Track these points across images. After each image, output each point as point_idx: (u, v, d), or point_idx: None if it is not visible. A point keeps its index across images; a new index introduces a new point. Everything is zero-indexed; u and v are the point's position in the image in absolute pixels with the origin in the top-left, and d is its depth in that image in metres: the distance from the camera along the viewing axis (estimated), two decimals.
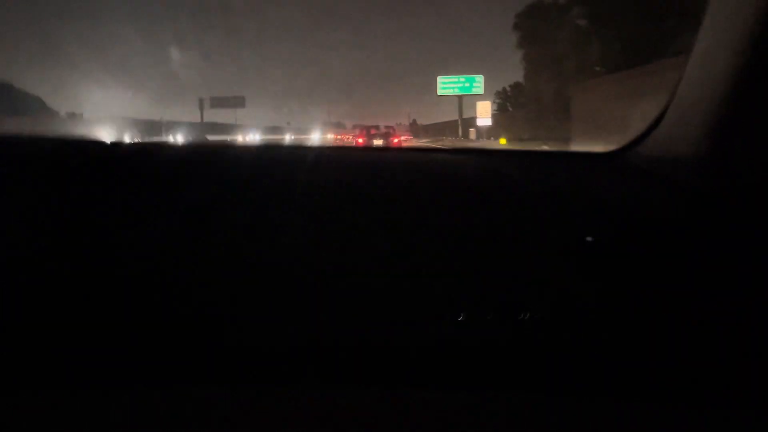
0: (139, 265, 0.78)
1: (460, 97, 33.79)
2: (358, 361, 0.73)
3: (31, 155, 0.91)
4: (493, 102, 30.48)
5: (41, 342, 0.74)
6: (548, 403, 0.67)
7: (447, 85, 33.56)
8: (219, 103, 43.44)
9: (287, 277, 0.77)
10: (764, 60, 0.70)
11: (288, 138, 37.48)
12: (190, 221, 0.82)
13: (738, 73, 0.73)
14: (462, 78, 33.40)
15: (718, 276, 0.73)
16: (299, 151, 1.24)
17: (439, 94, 33.86)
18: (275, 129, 44.51)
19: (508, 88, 34.03)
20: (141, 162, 0.99)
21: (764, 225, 0.74)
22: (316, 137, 40.03)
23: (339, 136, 33.26)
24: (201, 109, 42.97)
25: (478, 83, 32.99)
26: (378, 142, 17.73)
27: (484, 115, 28.41)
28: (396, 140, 18.86)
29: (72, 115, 37.24)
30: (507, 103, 30.33)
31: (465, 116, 34.47)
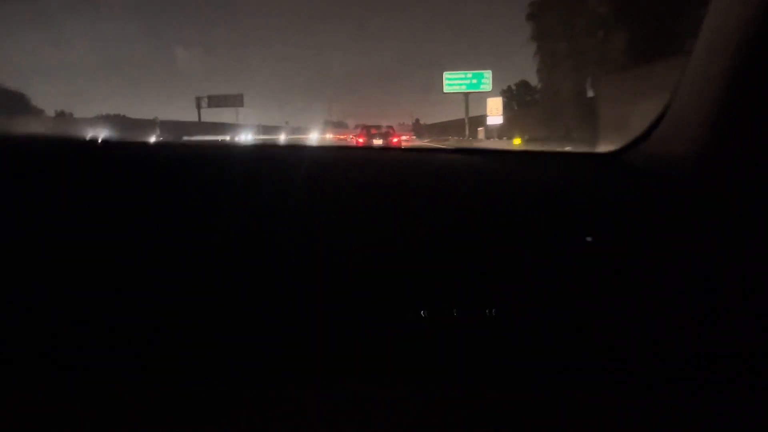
0: (138, 263, 0.78)
1: (466, 94, 32.24)
2: (353, 355, 0.74)
3: (32, 154, 0.91)
4: (505, 99, 28.88)
5: (41, 342, 0.74)
6: (545, 398, 0.68)
7: (454, 81, 31.95)
8: (217, 101, 42.44)
9: (284, 274, 0.78)
10: (764, 60, 0.70)
11: (287, 138, 36.09)
12: (188, 221, 0.82)
13: (738, 73, 0.73)
14: (469, 74, 31.81)
15: (717, 275, 0.73)
16: (297, 151, 1.16)
17: (445, 91, 32.24)
18: (271, 129, 43.50)
19: (514, 87, 32.66)
20: (139, 159, 0.98)
21: (764, 224, 0.73)
22: (317, 137, 39.04)
23: (341, 136, 32.99)
24: (198, 107, 42.15)
25: (486, 79, 31.45)
26: (378, 142, 18.08)
27: (495, 112, 26.74)
28: (395, 140, 19.04)
29: (61, 114, 36.44)
30: (514, 101, 28.73)
31: (472, 115, 32.73)
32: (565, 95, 18.52)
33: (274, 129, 43.61)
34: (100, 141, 1.09)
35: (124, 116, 37.17)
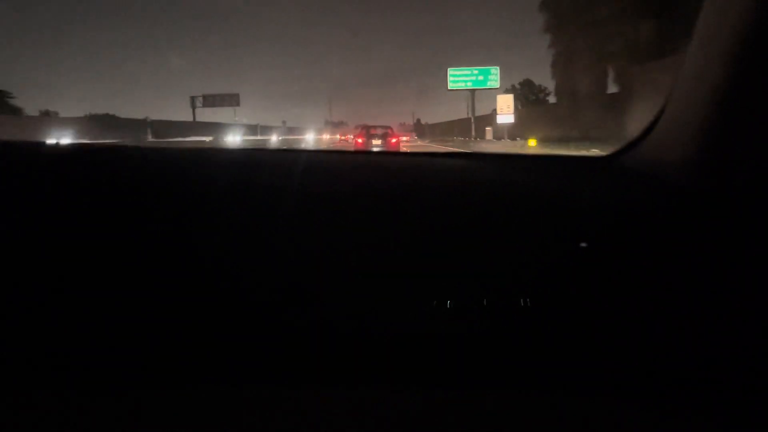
0: (139, 266, 0.79)
1: (472, 91, 30.44)
2: (353, 358, 0.75)
3: (31, 159, 0.94)
4: (517, 96, 27.07)
5: (41, 342, 0.75)
6: (545, 401, 0.70)
7: (459, 78, 30.15)
8: (212, 101, 41.18)
9: (284, 277, 0.79)
10: (760, 64, 0.71)
11: (284, 138, 34.53)
12: (189, 224, 0.83)
13: (734, 76, 0.74)
14: (476, 70, 30.00)
15: (714, 277, 0.75)
16: (296, 154, 1.21)
17: (450, 88, 30.45)
18: (267, 129, 42.00)
19: (518, 85, 30.88)
20: (141, 162, 1.00)
21: (760, 227, 0.75)
22: (318, 137, 37.56)
23: (343, 137, 32.29)
24: (193, 107, 40.90)
25: (494, 76, 29.65)
26: (377, 142, 18.55)
27: (505, 110, 24.74)
28: (394, 140, 19.25)
29: (45, 113, 35.08)
30: (518, 100, 26.86)
31: (477, 114, 30.93)
32: (585, 91, 16.82)
33: (271, 129, 42.52)
34: (97, 145, 1.09)
35: (113, 116, 35.74)
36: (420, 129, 51.17)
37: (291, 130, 44.28)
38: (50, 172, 0.88)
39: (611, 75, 16.26)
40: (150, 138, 29.48)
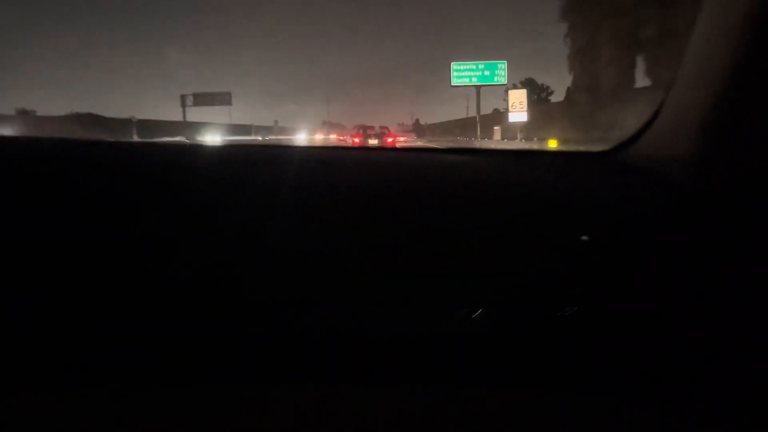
0: (138, 266, 0.79)
1: (478, 87, 28.36)
2: (353, 358, 0.76)
3: (27, 155, 0.94)
4: (531, 93, 25.14)
5: (41, 342, 0.76)
6: (545, 400, 0.70)
7: (462, 73, 27.97)
8: (203, 99, 39.69)
9: (283, 277, 0.79)
10: (758, 60, 0.72)
11: (275, 140, 32.84)
12: (185, 220, 0.83)
13: (732, 72, 0.75)
14: (481, 65, 27.82)
15: (712, 274, 0.75)
16: (295, 152, 1.20)
17: (453, 84, 28.23)
18: (262, 129, 40.52)
19: (519, 84, 28.92)
20: (139, 161, 1.00)
21: (757, 223, 0.75)
22: (313, 138, 36.24)
23: (342, 137, 32.24)
24: (183, 106, 39.35)
25: (501, 70, 27.50)
26: (373, 141, 19.51)
27: (518, 107, 22.57)
28: (390, 139, 20.54)
29: (23, 112, 33.33)
30: (530, 97, 24.83)
31: (477, 113, 28.92)
32: (610, 85, 14.91)
33: (268, 130, 40.99)
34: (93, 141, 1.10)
35: (95, 115, 34.02)
36: (419, 129, 49.62)
37: (283, 131, 42.65)
38: (49, 168, 0.87)
39: (641, 67, 14.28)
40: (135, 139, 27.66)
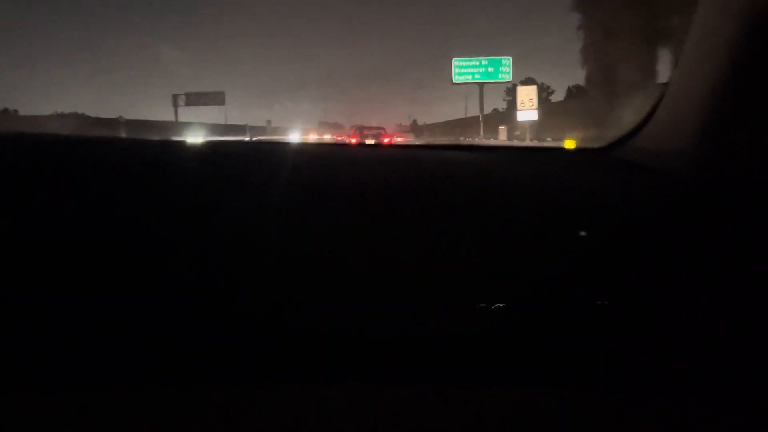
0: (137, 262, 0.79)
1: (481, 85, 26.95)
2: (353, 358, 0.76)
3: (31, 152, 0.93)
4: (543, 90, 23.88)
5: (41, 341, 0.76)
6: (543, 399, 0.70)
7: (465, 69, 26.56)
8: (195, 99, 38.78)
9: (283, 275, 0.79)
10: (756, 55, 0.73)
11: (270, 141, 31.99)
12: (185, 219, 0.83)
13: (730, 66, 0.76)
14: (485, 61, 26.42)
15: (711, 269, 0.75)
16: (295, 150, 1.17)
17: (455, 81, 26.90)
18: (257, 129, 39.54)
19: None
20: (143, 158, 0.99)
21: (758, 218, 0.76)
22: (306, 139, 35.46)
23: (339, 138, 32.83)
24: (175, 105, 38.41)
25: (505, 66, 26.16)
26: (370, 142, 19.97)
27: (527, 105, 21.13)
28: (387, 140, 21.16)
29: (4, 111, 32.25)
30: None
31: (472, 113, 27.56)
32: (631, 79, 13.70)
33: (260, 130, 40.11)
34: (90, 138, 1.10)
35: (81, 114, 33.00)
36: (417, 130, 48.81)
37: (276, 131, 41.62)
38: (48, 165, 0.87)
39: (665, 60, 13.11)
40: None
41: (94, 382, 0.72)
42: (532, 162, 1.05)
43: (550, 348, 0.73)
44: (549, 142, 16.72)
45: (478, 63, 25.86)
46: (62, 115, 31.55)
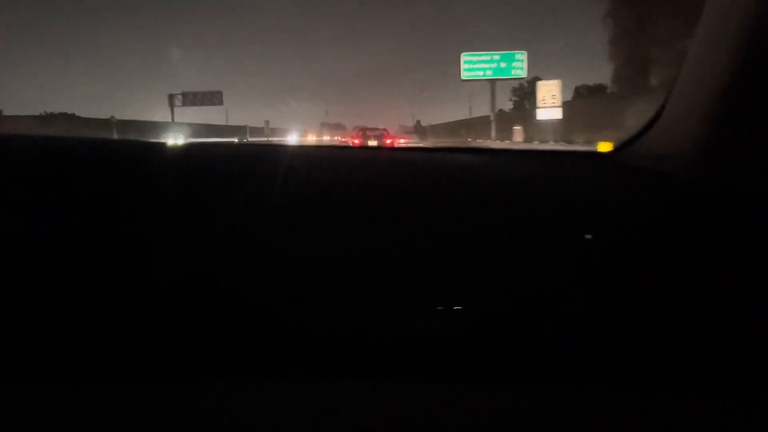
0: (137, 261, 0.79)
1: (492, 82, 25.33)
2: (353, 356, 0.76)
3: (34, 153, 0.94)
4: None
5: (41, 341, 0.76)
6: (543, 399, 0.70)
7: (475, 65, 24.93)
8: (192, 99, 37.41)
9: (284, 273, 0.80)
10: (760, 58, 0.73)
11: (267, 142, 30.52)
12: (185, 219, 0.84)
13: (735, 71, 0.76)
14: (496, 56, 24.77)
15: (715, 271, 0.76)
16: (298, 150, 1.18)
17: (463, 78, 25.35)
18: (254, 131, 38.16)
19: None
20: (147, 159, 1.01)
21: (761, 221, 0.76)
22: (304, 140, 34.07)
23: (343, 139, 32.88)
24: (171, 106, 37.05)
25: (519, 62, 24.51)
26: (372, 142, 20.39)
27: (549, 101, 19.30)
28: (389, 141, 21.56)
29: None
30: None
31: (480, 113, 25.89)
32: (666, 76, 12.14)
33: (259, 131, 38.80)
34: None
35: (71, 115, 31.63)
36: (421, 131, 47.35)
37: (275, 132, 40.14)
38: (44, 166, 0.87)
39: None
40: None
41: (94, 381, 0.72)
42: (536, 165, 1.06)
43: (551, 348, 0.73)
44: (580, 145, 15.18)
45: (489, 58, 24.26)
46: (51, 115, 30.18)
